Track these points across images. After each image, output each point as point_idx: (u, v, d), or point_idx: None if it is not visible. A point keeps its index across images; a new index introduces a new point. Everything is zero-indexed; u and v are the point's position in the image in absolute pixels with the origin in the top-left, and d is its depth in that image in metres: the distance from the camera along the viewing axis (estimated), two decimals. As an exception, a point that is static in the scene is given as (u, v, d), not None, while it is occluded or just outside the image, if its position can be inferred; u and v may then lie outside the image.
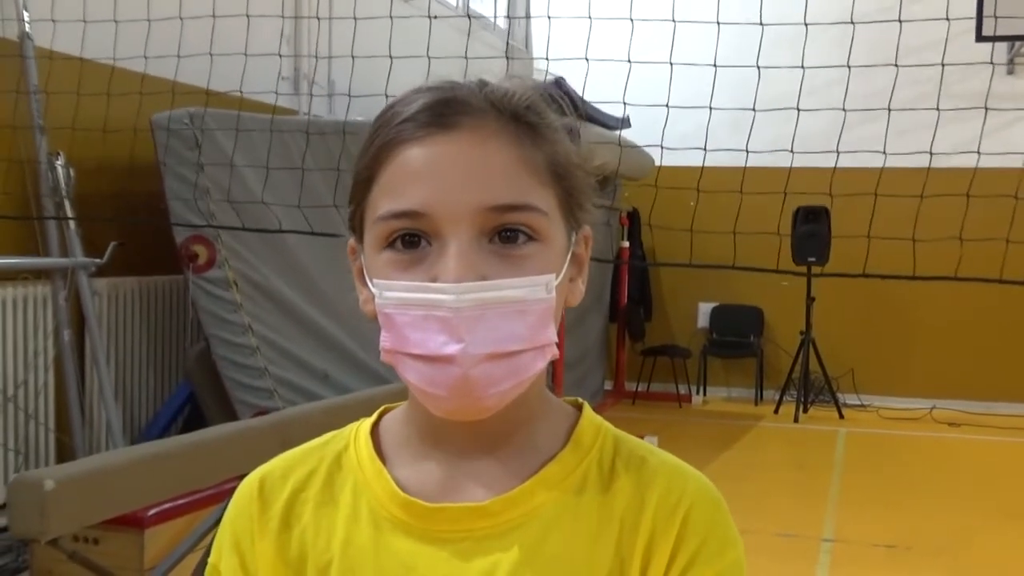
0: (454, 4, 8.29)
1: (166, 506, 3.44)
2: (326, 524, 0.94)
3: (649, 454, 0.95)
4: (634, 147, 6.67)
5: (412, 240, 0.86)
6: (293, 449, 1.00)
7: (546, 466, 0.92)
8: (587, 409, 0.97)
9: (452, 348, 0.83)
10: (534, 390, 0.90)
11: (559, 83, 5.62)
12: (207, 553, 1.02)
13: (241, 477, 1.02)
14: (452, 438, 0.92)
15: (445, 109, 0.86)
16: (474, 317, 0.82)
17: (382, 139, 0.88)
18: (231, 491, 1.00)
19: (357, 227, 0.92)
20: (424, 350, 0.84)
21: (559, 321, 0.88)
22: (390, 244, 0.86)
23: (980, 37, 5.56)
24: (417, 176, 0.85)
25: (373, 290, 0.87)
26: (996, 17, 5.14)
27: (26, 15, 4.45)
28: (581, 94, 4.69)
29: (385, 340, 0.87)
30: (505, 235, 0.85)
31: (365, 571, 0.91)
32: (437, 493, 0.91)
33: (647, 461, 0.94)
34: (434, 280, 0.84)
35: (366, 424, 0.99)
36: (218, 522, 1.01)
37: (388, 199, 0.86)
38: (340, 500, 0.94)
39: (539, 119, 0.90)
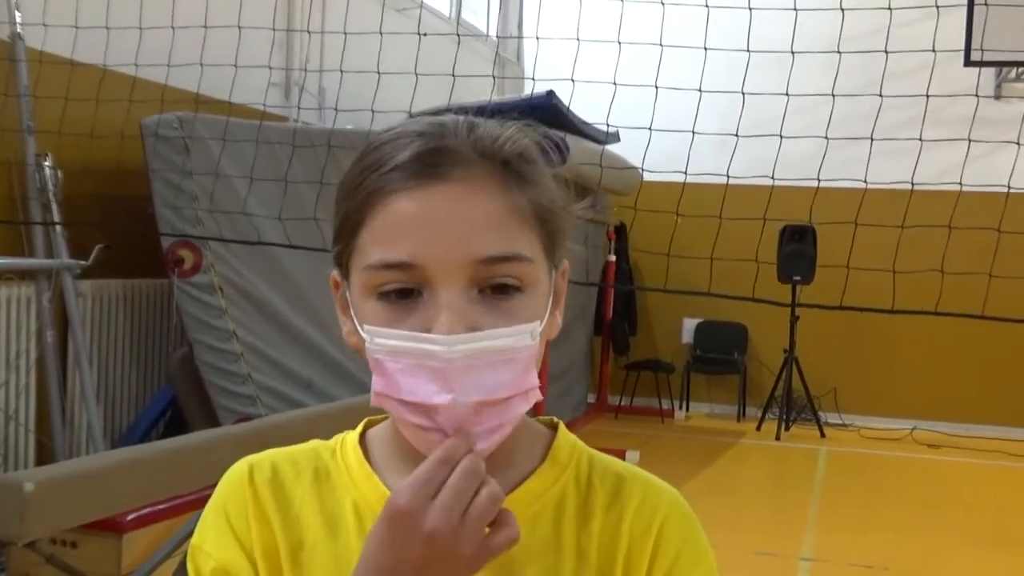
0: (447, 15, 8.31)
1: (145, 511, 3.44)
2: (308, 521, 0.95)
3: (623, 470, 0.98)
4: (625, 168, 6.70)
5: (404, 291, 0.87)
6: (279, 448, 1.01)
7: (526, 481, 0.95)
8: (562, 428, 1.00)
9: (443, 398, 0.84)
10: (519, 423, 0.92)
11: (550, 95, 5.63)
12: (185, 560, 1.02)
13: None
14: None
15: (435, 159, 0.87)
16: (465, 367, 0.84)
17: (371, 185, 0.89)
18: (210, 498, 1.00)
19: (344, 264, 0.93)
20: (415, 398, 0.85)
21: (541, 359, 0.90)
22: (381, 295, 0.87)
23: (968, 62, 5.60)
24: (407, 228, 0.86)
25: (363, 334, 0.88)
26: (983, 50, 5.18)
27: (18, 16, 4.44)
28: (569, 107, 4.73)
29: (377, 384, 0.88)
30: (494, 286, 0.87)
31: (348, 570, 0.91)
32: None
33: (622, 477, 0.98)
34: (426, 329, 0.85)
35: (352, 435, 1.00)
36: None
37: (378, 248, 0.87)
38: (326, 500, 0.96)
39: (526, 164, 0.91)
